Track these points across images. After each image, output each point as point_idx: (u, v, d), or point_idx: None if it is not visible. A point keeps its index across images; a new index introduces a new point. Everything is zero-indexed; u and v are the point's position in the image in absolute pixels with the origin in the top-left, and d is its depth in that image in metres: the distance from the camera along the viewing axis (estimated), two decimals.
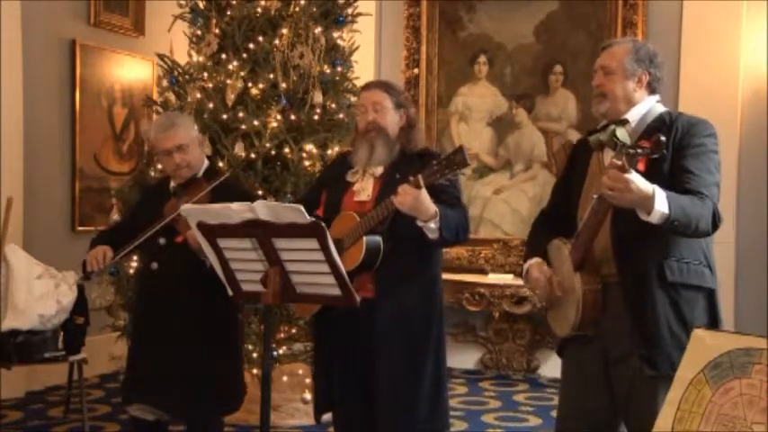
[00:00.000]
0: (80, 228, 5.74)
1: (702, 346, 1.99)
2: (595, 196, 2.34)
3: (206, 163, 3.47)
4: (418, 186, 2.66)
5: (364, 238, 2.85)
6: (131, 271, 4.41)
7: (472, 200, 6.06)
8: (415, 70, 6.22)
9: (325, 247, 2.33)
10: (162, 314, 3.31)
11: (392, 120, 3.03)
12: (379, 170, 3.01)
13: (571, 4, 5.95)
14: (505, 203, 6.16)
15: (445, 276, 3.22)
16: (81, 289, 4.46)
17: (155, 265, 3.35)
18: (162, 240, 3.30)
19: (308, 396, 4.53)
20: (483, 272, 6.03)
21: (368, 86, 3.15)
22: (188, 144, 3.35)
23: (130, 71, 6.19)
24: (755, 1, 5.46)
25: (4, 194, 4.67)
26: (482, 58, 6.20)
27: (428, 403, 2.99)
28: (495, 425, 4.73)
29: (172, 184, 3.43)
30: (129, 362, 3.50)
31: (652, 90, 2.56)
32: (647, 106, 2.53)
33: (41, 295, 4.26)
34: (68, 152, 5.74)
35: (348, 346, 2.99)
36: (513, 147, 6.15)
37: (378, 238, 2.86)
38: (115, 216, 4.58)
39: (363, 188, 3.02)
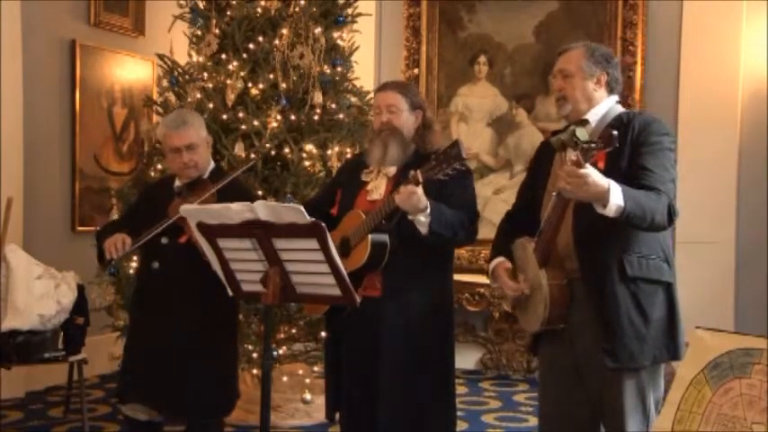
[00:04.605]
0: (80, 228, 5.73)
1: (702, 346, 1.99)
2: (555, 193, 2.40)
3: (212, 165, 3.41)
4: (417, 182, 2.69)
5: (369, 236, 2.85)
6: (131, 271, 4.40)
7: None
8: (415, 70, 6.22)
9: (324, 247, 2.33)
10: (161, 314, 3.27)
11: (407, 121, 3.04)
12: (393, 170, 3.02)
13: (571, 5, 5.94)
14: (505, 203, 6.12)
15: None
16: (81, 289, 4.46)
17: (156, 265, 3.29)
18: (164, 240, 3.23)
19: (308, 396, 4.54)
20: (483, 272, 6.00)
21: (383, 88, 3.15)
22: (198, 144, 3.29)
23: (130, 71, 6.19)
24: (755, 1, 5.46)
25: (4, 194, 4.66)
26: (482, 59, 6.19)
27: (433, 403, 2.98)
28: (495, 425, 4.72)
29: (176, 183, 3.36)
30: (124, 360, 3.45)
31: (611, 90, 2.62)
32: (606, 106, 2.60)
33: (41, 295, 4.26)
34: (68, 152, 5.74)
35: (355, 345, 2.99)
36: (513, 147, 6.14)
37: (384, 237, 2.87)
38: (114, 217, 4.54)
39: (376, 187, 3.03)
